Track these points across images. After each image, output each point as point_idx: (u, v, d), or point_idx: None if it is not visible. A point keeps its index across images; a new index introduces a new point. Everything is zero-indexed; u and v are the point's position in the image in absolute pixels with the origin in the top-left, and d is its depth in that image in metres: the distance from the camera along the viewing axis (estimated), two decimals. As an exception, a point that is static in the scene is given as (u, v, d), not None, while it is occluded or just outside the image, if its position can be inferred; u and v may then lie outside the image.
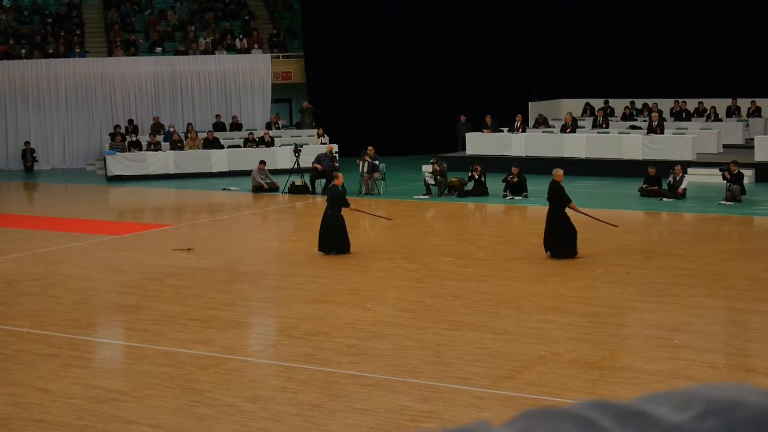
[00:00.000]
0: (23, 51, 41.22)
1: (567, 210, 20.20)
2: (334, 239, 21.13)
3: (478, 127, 36.66)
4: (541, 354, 13.73)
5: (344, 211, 21.35)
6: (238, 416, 11.66)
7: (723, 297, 16.97)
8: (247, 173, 33.49)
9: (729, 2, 38.60)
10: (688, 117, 37.94)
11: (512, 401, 11.84)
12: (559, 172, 20.53)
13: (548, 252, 20.33)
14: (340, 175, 22.57)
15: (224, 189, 32.95)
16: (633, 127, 36.39)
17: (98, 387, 12.83)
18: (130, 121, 39.72)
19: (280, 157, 35.56)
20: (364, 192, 30.65)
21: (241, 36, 43.80)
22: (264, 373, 13.42)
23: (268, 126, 39.59)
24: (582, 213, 20.94)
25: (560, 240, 20.13)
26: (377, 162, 31.03)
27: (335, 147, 33.73)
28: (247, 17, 45.14)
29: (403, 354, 13.88)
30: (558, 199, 20.18)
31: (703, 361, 13.39)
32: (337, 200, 21.32)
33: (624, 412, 1.09)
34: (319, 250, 21.24)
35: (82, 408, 12.06)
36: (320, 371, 13.20)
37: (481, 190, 29.65)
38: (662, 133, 33.43)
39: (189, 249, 22.25)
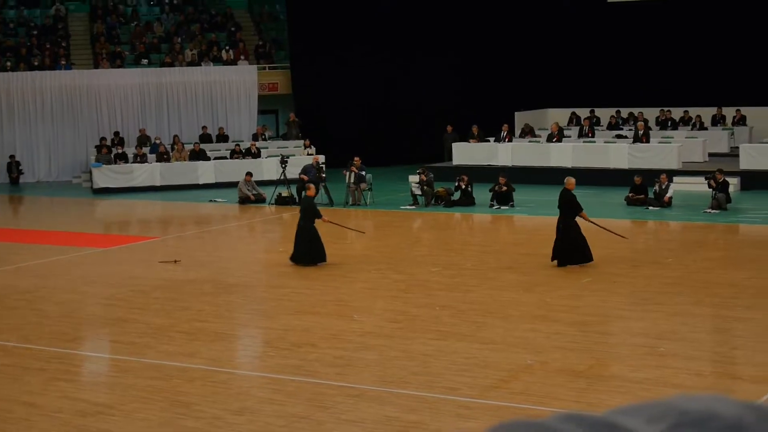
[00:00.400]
0: (8, 63, 41.14)
1: (577, 219, 20.22)
2: (308, 250, 21.18)
3: (465, 137, 36.70)
4: (528, 363, 13.74)
5: (318, 222, 21.39)
6: (225, 429, 11.64)
7: (709, 305, 17.01)
8: (233, 185, 33.46)
9: (714, 12, 38.75)
10: (674, 126, 38.04)
11: (499, 411, 11.84)
12: (571, 181, 20.56)
13: (554, 261, 20.28)
14: (312, 186, 22.63)
15: (211, 201, 32.91)
16: (619, 136, 36.48)
17: (85, 401, 12.80)
18: (116, 134, 39.67)
19: (267, 168, 35.52)
20: (351, 203, 30.64)
21: (227, 47, 43.79)
22: (251, 385, 13.41)
23: (255, 137, 39.57)
24: (592, 222, 20.90)
25: (569, 246, 20.08)
26: (364, 172, 31.03)
27: (322, 158, 33.73)
28: (233, 29, 45.13)
29: (391, 365, 13.88)
30: (570, 208, 20.18)
31: (690, 368, 13.42)
32: (309, 211, 21.40)
33: (597, 425, 1.10)
34: (294, 260, 21.28)
35: (69, 422, 12.02)
36: (307, 383, 13.18)
37: (467, 200, 29.67)
38: (648, 141, 33.52)
39: (176, 261, 22.22)
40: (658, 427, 1.09)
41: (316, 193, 30.64)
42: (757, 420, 1.11)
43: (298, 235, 21.39)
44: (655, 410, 1.12)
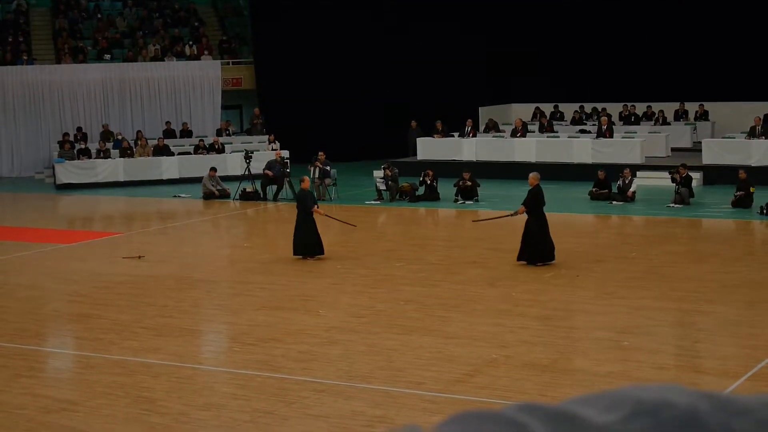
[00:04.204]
0: (-30, 59, 40.82)
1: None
2: (309, 243, 21.14)
3: (429, 133, 36.74)
4: (493, 357, 13.79)
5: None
6: (190, 424, 11.62)
7: (672, 299, 17.12)
8: (197, 180, 33.35)
9: (677, 8, 38.95)
10: (637, 121, 38.22)
11: (465, 405, 11.87)
12: (536, 175, 20.81)
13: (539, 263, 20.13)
14: (306, 178, 22.34)
15: (175, 196, 32.80)
16: (582, 131, 36.62)
17: (49, 397, 12.73)
18: (79, 129, 39.40)
19: (231, 163, 35.44)
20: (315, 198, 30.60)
21: (190, 42, 43.61)
22: (216, 380, 13.38)
23: (219, 132, 39.44)
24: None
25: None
26: (328, 167, 31.01)
27: (286, 153, 33.66)
28: (196, 24, 44.96)
29: (356, 359, 13.89)
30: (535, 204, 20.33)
31: (654, 362, 13.51)
32: (304, 203, 21.32)
33: (553, 414, 1.11)
34: (295, 254, 21.23)
35: (33, 419, 11.96)
36: (273, 378, 13.18)
37: (432, 195, 29.72)
38: (611, 136, 33.67)
39: (140, 257, 22.13)
40: (613, 416, 1.11)
41: (280, 189, 30.83)
42: (710, 408, 1.13)
43: (296, 229, 21.36)
44: (610, 400, 1.13)
